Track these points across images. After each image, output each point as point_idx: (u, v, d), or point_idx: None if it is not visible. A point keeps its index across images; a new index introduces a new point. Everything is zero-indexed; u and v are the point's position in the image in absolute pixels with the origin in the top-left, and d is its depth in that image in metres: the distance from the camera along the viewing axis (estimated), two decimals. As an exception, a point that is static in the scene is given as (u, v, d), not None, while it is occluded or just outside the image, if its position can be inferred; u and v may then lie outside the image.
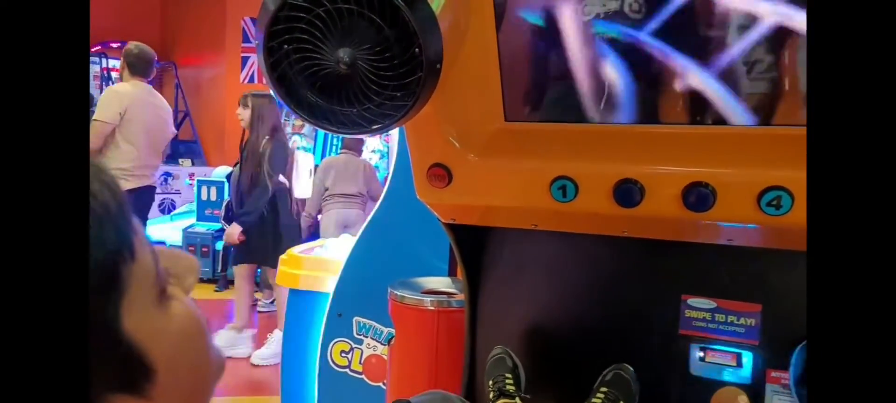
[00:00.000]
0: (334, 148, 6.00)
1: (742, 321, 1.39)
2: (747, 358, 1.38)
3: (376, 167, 5.23)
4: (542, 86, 1.22)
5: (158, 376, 0.37)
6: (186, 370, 0.40)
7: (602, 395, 1.39)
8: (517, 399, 1.42)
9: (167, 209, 7.35)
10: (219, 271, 5.51)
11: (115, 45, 8.35)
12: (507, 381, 1.45)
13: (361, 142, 4.60)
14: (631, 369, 1.43)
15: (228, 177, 4.67)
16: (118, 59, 8.40)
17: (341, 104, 1.02)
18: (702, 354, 1.42)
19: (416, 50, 0.96)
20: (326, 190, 4.46)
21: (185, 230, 5.64)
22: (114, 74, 8.14)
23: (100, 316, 0.34)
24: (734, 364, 1.39)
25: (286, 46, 0.99)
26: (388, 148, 6.00)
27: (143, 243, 0.38)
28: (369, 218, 2.40)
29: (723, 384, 1.40)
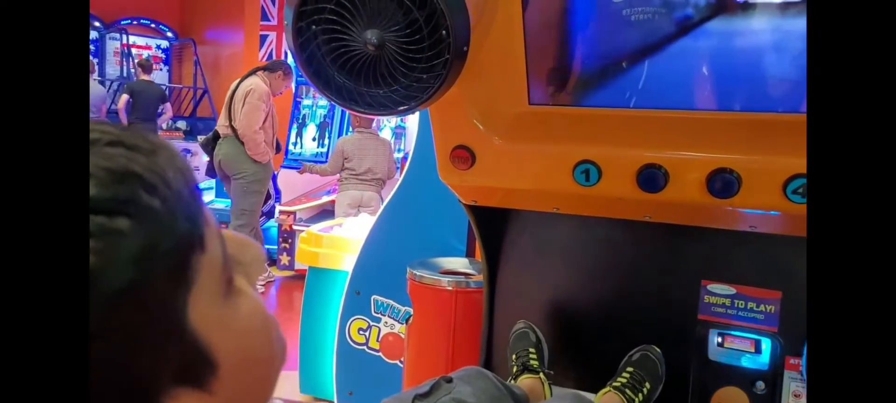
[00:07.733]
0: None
1: (762, 308, 1.39)
2: (766, 345, 1.38)
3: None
4: (566, 69, 1.21)
5: (221, 370, 0.36)
6: (250, 365, 0.39)
7: (627, 375, 1.39)
8: (541, 375, 1.42)
9: (186, 185, 7.38)
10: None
11: (134, 22, 8.39)
12: (531, 356, 1.44)
13: (371, 119, 4.54)
14: (658, 351, 1.42)
15: None
16: (139, 36, 8.43)
17: (368, 85, 1.03)
18: (720, 340, 1.42)
19: (444, 32, 0.97)
20: (344, 168, 4.47)
21: (203, 206, 5.67)
22: (133, 51, 8.20)
23: (168, 308, 0.33)
24: (753, 350, 1.40)
25: (315, 27, 0.99)
26: (405, 127, 5.98)
27: (214, 232, 0.36)
28: (388, 198, 2.41)
29: (741, 370, 1.41)
